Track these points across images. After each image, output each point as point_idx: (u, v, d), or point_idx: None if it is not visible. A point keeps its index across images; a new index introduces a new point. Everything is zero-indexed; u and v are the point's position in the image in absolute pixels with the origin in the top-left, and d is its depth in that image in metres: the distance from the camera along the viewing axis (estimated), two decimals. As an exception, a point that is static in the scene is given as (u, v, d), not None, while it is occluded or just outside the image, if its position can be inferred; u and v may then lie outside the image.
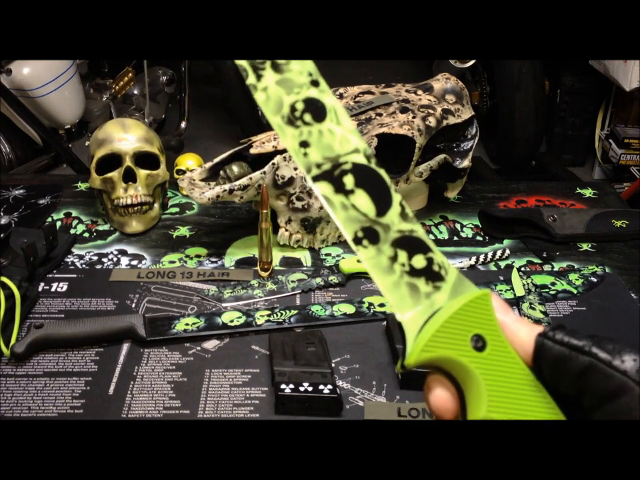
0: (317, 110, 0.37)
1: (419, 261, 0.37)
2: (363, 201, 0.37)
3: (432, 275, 0.37)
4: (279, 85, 0.37)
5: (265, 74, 0.37)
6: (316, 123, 0.37)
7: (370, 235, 0.37)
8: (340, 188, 0.37)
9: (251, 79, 0.37)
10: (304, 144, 0.37)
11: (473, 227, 1.09)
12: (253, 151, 0.99)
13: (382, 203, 0.37)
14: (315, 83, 0.38)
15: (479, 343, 0.36)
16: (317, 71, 0.38)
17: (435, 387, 0.37)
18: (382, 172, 0.38)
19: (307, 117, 0.37)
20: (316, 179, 0.37)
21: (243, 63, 0.37)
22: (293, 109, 0.37)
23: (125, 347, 0.82)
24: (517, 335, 0.36)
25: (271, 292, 0.92)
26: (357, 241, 0.37)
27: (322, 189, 0.37)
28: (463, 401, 0.36)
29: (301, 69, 0.37)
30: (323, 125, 0.37)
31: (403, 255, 0.37)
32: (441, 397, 0.36)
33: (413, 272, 0.37)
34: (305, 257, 1.01)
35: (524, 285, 0.92)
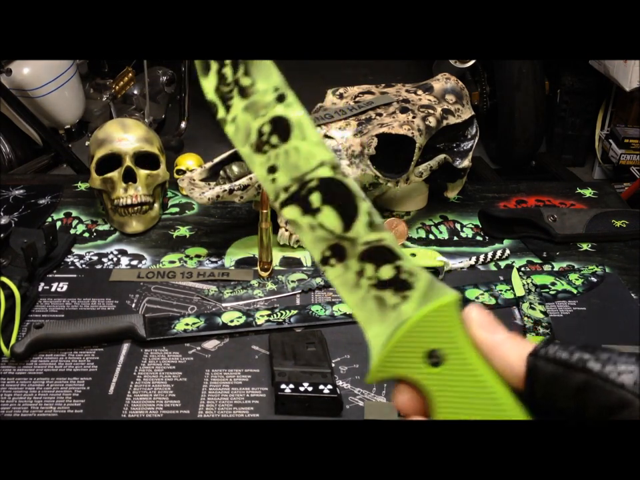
0: (282, 129, 0.37)
1: (387, 272, 0.36)
2: (329, 218, 0.36)
3: (400, 284, 0.36)
4: (246, 112, 0.37)
5: (233, 103, 0.37)
6: (282, 144, 0.37)
7: (337, 252, 0.36)
8: (307, 209, 0.36)
9: (220, 113, 0.37)
10: (272, 169, 0.37)
11: (472, 227, 1.09)
12: (252, 151, 0.99)
13: (348, 216, 0.36)
14: (280, 98, 0.37)
15: (436, 358, 0.35)
16: (283, 82, 0.37)
17: (400, 392, 0.37)
18: (348, 181, 0.37)
19: (274, 139, 0.37)
20: (284, 204, 0.37)
21: (213, 99, 0.37)
22: (260, 133, 0.37)
23: (125, 347, 0.82)
24: (507, 359, 0.34)
25: (270, 292, 0.92)
26: (324, 261, 0.37)
27: (290, 214, 0.36)
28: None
29: (267, 87, 0.37)
30: (289, 144, 0.37)
31: (370, 269, 0.36)
32: (403, 402, 0.37)
33: (380, 285, 0.36)
34: (305, 257, 1.01)
35: (524, 285, 0.92)
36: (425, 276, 0.36)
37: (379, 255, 0.36)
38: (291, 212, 0.37)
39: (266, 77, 0.37)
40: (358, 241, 0.37)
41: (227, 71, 0.37)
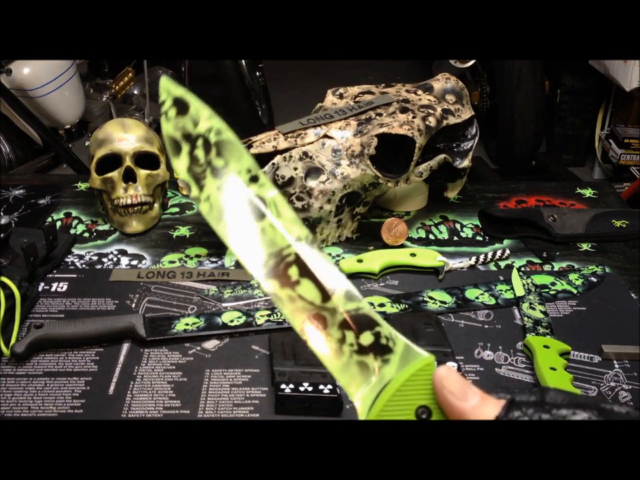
0: (258, 208, 0.38)
1: (367, 338, 0.38)
2: (308, 289, 0.38)
3: (380, 348, 0.38)
4: (220, 191, 0.38)
5: (207, 182, 0.38)
6: (258, 222, 0.38)
7: (318, 322, 0.38)
8: (286, 282, 0.38)
9: (194, 192, 0.38)
10: None
11: (472, 226, 1.09)
12: (253, 151, 0.99)
13: (327, 288, 0.38)
14: (254, 179, 0.38)
15: (424, 414, 0.36)
16: (255, 164, 0.38)
17: None
18: (324, 255, 0.38)
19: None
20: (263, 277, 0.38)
21: (185, 178, 0.38)
22: None
23: (125, 347, 0.82)
24: None
25: (271, 292, 0.92)
26: (305, 331, 0.38)
27: (269, 287, 0.38)
28: None
29: (240, 168, 0.38)
30: (265, 222, 0.38)
31: (350, 335, 0.38)
32: None
33: (362, 350, 0.38)
34: (305, 257, 1.01)
35: (524, 285, 0.92)
36: (401, 340, 0.38)
37: (359, 322, 0.38)
38: (270, 285, 0.38)
39: (238, 158, 0.38)
40: (338, 310, 0.38)
41: (199, 152, 0.38)
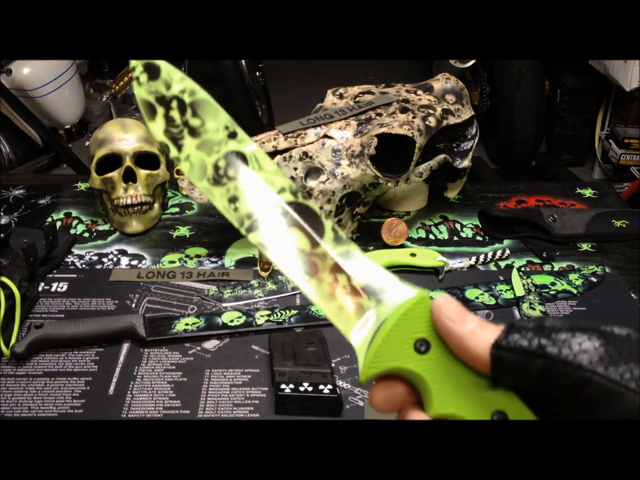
0: (238, 162, 0.38)
1: (359, 280, 0.38)
2: (297, 238, 0.38)
3: (373, 289, 0.38)
4: (200, 149, 0.38)
5: (185, 142, 0.38)
6: (240, 175, 0.38)
7: (309, 268, 0.38)
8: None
9: (173, 153, 0.38)
10: (233, 199, 0.38)
11: (472, 226, 1.09)
12: (253, 151, 0.99)
13: (315, 234, 0.38)
14: (232, 135, 0.39)
15: (423, 346, 0.36)
16: (232, 121, 0.39)
17: (377, 390, 0.37)
18: (309, 203, 0.39)
19: (231, 172, 0.38)
20: (249, 229, 0.38)
21: (163, 140, 0.38)
22: (216, 168, 0.38)
23: (125, 347, 0.82)
24: (473, 351, 0.35)
25: (271, 292, 0.92)
26: (299, 277, 0.38)
27: (257, 238, 0.38)
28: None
29: (217, 126, 0.39)
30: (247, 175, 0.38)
31: (342, 278, 0.38)
32: (380, 400, 0.37)
33: (355, 292, 0.38)
34: (305, 257, 1.01)
35: (524, 285, 0.92)
36: (393, 278, 0.38)
37: (349, 265, 0.38)
38: (258, 236, 0.38)
39: (214, 116, 0.39)
40: (328, 255, 0.38)
41: (174, 113, 0.39)
